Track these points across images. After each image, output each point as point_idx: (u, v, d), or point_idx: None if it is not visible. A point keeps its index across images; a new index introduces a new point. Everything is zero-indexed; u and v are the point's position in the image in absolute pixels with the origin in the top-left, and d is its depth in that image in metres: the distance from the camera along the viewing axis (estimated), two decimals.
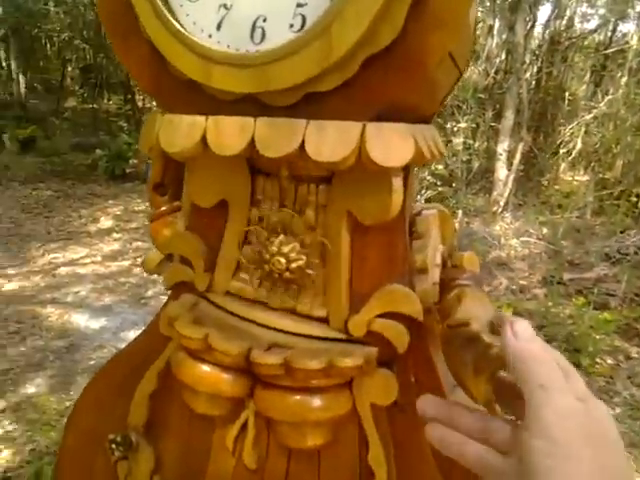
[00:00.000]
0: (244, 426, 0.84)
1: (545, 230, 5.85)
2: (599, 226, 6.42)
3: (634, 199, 6.68)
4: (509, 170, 6.27)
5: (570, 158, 7.88)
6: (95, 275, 4.85)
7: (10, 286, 4.35)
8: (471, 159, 6.52)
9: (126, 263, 5.20)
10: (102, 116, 10.95)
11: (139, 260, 5.26)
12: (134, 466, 0.92)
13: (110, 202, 7.18)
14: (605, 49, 8.88)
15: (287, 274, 0.81)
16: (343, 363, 0.74)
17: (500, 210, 6.17)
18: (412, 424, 0.82)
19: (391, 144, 0.67)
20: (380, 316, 0.80)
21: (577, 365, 3.50)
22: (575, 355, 3.53)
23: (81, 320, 3.92)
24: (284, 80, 0.67)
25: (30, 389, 2.85)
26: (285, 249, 0.81)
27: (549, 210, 6.28)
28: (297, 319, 0.83)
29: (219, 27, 0.73)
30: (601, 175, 7.46)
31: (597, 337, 3.69)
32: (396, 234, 0.81)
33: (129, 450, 0.90)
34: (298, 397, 0.77)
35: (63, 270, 4.90)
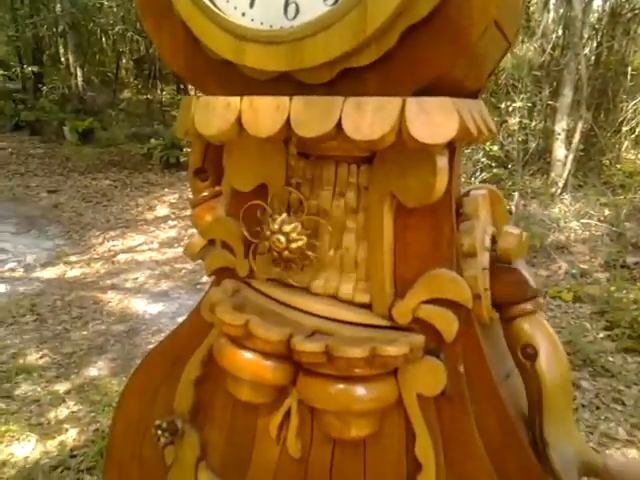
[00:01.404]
0: (288, 414, 0.82)
1: (607, 212, 5.59)
2: None
3: None
4: (568, 150, 6.01)
5: (633, 136, 7.48)
6: (152, 261, 4.95)
7: (72, 273, 4.50)
8: (527, 139, 6.29)
9: (181, 250, 5.30)
10: (156, 106, 11.14)
11: None
12: (180, 452, 0.92)
13: (165, 190, 7.32)
14: None
15: (286, 253, 0.78)
16: (387, 352, 0.71)
17: (559, 192, 5.93)
18: (461, 415, 0.79)
19: (433, 120, 0.62)
20: (426, 302, 0.76)
21: None
22: None
23: (140, 305, 4.02)
24: (319, 55, 0.64)
25: (93, 372, 2.94)
26: (286, 228, 0.78)
27: (611, 191, 5.99)
28: (340, 305, 0.81)
29: (252, 4, 0.71)
30: None
31: None
32: (442, 216, 0.77)
33: (175, 436, 0.90)
34: (341, 386, 0.74)
35: (122, 257, 5.03)
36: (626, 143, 7.29)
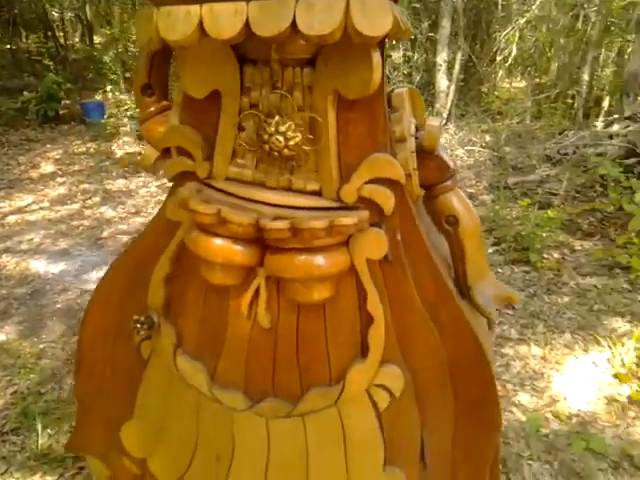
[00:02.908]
0: (256, 292, 0.94)
1: (488, 138, 6.04)
2: (539, 130, 6.68)
3: (570, 101, 6.94)
4: (449, 81, 6.37)
5: (507, 64, 8.03)
6: (46, 221, 4.76)
7: None
8: (412, 72, 6.57)
9: (76, 206, 5.11)
10: (23, 56, 10.32)
11: (89, 202, 5.19)
12: (158, 343, 1.02)
13: (48, 146, 6.93)
14: None
15: (286, 151, 0.90)
16: (342, 222, 0.85)
17: (444, 122, 6.31)
18: (400, 276, 0.95)
19: (374, 15, 0.75)
20: (368, 183, 0.90)
21: (526, 262, 3.77)
22: (524, 253, 3.79)
23: (40, 266, 3.88)
24: None
25: (0, 337, 2.88)
26: (282, 128, 0.89)
27: (490, 118, 6.45)
28: (293, 195, 0.93)
29: None
30: (537, 80, 7.67)
31: (543, 234, 3.95)
32: (376, 109, 0.90)
33: (151, 330, 1.00)
34: (304, 257, 0.87)
35: (12, 219, 4.79)
36: (501, 72, 7.81)
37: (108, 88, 8.26)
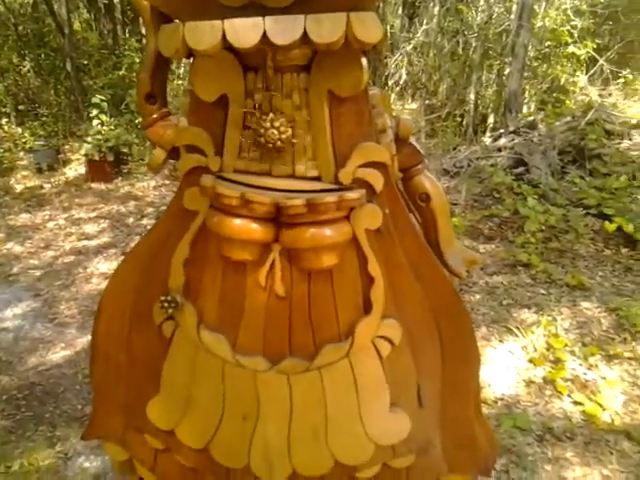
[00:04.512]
0: (271, 266, 1.09)
1: None
2: (434, 147, 7.22)
3: (459, 119, 7.57)
4: None
5: (398, 88, 8.61)
6: None
7: None
8: None
9: None
10: None
11: None
12: (182, 321, 1.14)
13: None
14: None
15: (279, 143, 1.06)
16: (350, 196, 1.03)
17: None
18: (390, 243, 1.14)
19: (370, 26, 0.94)
20: (360, 166, 1.08)
21: None
22: None
23: None
24: None
25: None
26: (276, 124, 1.05)
27: None
28: (297, 180, 1.09)
29: None
30: (428, 101, 8.29)
31: None
32: (362, 104, 1.09)
33: (176, 309, 1.11)
34: (315, 229, 1.04)
35: None
36: (393, 95, 8.36)
37: (4, 121, 7.94)
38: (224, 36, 0.95)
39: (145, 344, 1.20)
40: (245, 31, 0.94)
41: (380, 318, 1.12)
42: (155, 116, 1.18)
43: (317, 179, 1.09)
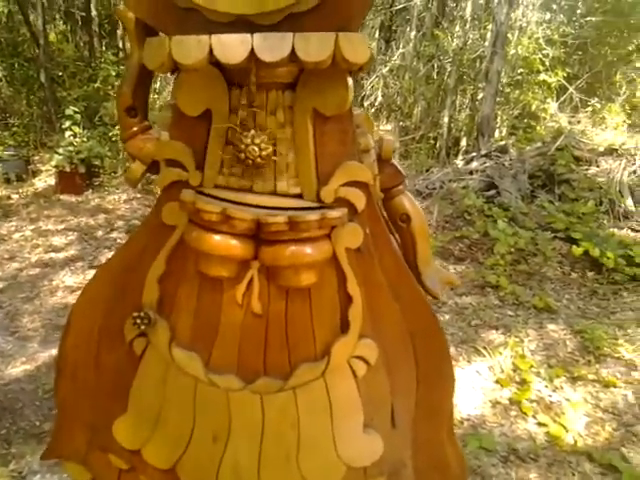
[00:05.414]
0: (249, 284, 1.08)
1: None
2: (407, 168, 7.30)
3: (432, 141, 7.69)
4: None
5: (373, 110, 8.72)
6: None
7: None
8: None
9: None
10: None
11: None
12: (154, 338, 1.11)
13: None
14: (390, 7, 9.79)
15: (259, 160, 1.05)
16: (332, 215, 1.03)
17: None
18: (369, 262, 1.14)
19: (358, 46, 0.94)
20: (343, 185, 1.08)
21: None
22: None
23: None
24: (280, 2, 0.91)
25: None
26: (257, 140, 1.05)
27: None
28: (278, 198, 1.08)
29: None
30: (402, 123, 8.40)
31: None
32: (346, 124, 1.09)
33: (149, 325, 1.09)
34: (295, 247, 1.03)
35: None
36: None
37: None
38: (211, 51, 0.94)
39: (114, 361, 1.17)
40: (232, 47, 0.94)
41: (357, 338, 1.11)
42: (135, 129, 1.16)
43: (299, 197, 1.09)
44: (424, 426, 1.22)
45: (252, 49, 0.94)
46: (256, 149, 1.04)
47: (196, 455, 1.14)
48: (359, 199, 1.09)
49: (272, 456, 1.13)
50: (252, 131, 1.05)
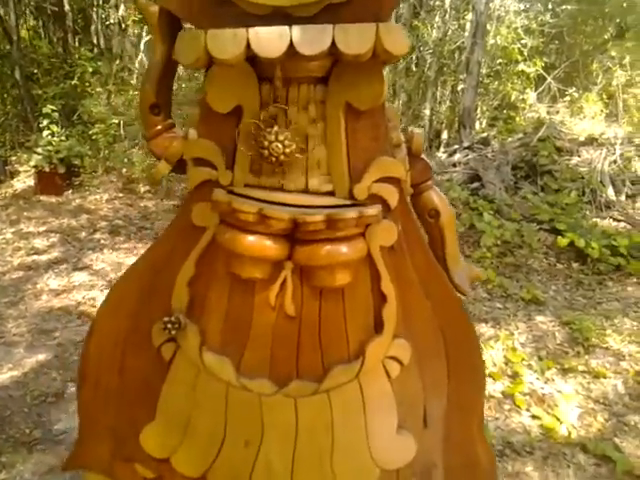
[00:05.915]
0: (282, 284, 1.05)
1: None
2: None
3: None
4: None
5: None
6: None
7: None
8: None
9: None
10: None
11: None
12: (184, 342, 1.07)
13: None
14: None
15: (282, 157, 1.01)
16: (368, 212, 1.00)
17: None
18: (402, 260, 1.12)
19: (398, 38, 0.92)
20: (376, 181, 1.06)
21: None
22: None
23: None
24: None
25: None
26: (281, 137, 1.01)
27: None
28: (311, 195, 1.05)
29: None
30: None
31: None
32: (378, 119, 1.06)
33: (179, 329, 1.05)
34: (330, 246, 1.00)
35: None
36: None
37: None
38: (248, 45, 0.91)
39: (140, 366, 1.13)
40: (271, 40, 0.91)
41: (391, 338, 1.09)
42: (159, 127, 1.12)
43: (331, 194, 1.06)
44: (455, 423, 1.21)
45: (291, 42, 0.91)
46: (279, 146, 1.00)
47: (228, 461, 1.10)
48: (392, 195, 1.06)
49: (305, 459, 1.11)
50: (275, 127, 1.01)
